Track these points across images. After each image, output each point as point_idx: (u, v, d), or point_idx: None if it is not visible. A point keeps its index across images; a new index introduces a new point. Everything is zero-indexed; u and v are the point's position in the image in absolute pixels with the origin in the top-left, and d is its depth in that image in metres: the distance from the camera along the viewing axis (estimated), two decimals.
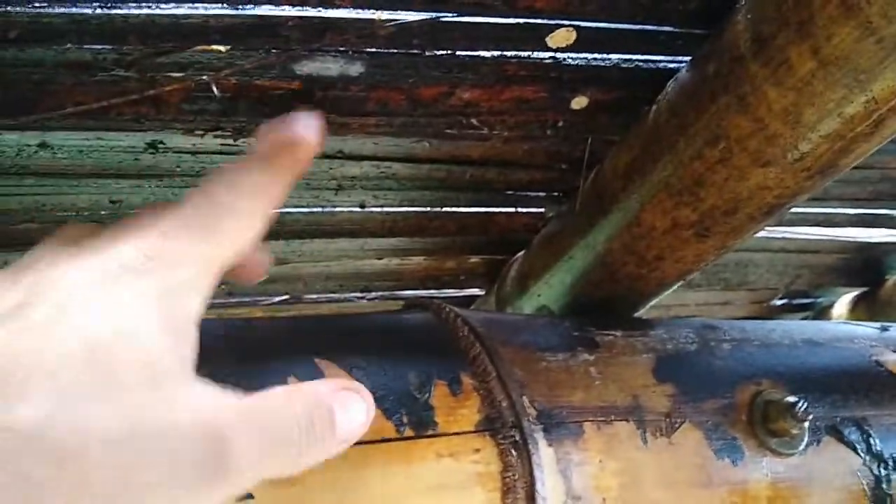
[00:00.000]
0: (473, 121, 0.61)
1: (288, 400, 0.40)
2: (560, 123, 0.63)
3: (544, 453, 0.55)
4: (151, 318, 0.36)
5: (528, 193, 0.77)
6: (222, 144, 0.63)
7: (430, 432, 0.53)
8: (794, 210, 0.94)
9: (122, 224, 0.41)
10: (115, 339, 0.34)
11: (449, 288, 0.95)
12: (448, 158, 0.68)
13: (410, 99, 0.57)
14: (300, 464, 0.41)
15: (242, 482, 0.38)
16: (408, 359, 0.56)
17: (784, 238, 0.98)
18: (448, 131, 0.62)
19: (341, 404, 0.41)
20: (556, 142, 0.67)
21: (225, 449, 0.36)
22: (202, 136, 0.59)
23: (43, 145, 0.59)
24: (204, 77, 0.50)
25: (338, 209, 0.75)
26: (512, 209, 0.81)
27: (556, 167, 0.72)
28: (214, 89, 0.50)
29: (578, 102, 0.61)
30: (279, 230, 0.75)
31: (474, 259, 0.91)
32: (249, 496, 0.47)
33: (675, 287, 0.67)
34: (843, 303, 1.19)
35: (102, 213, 0.69)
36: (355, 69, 0.54)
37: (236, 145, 0.62)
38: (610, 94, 0.61)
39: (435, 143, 0.65)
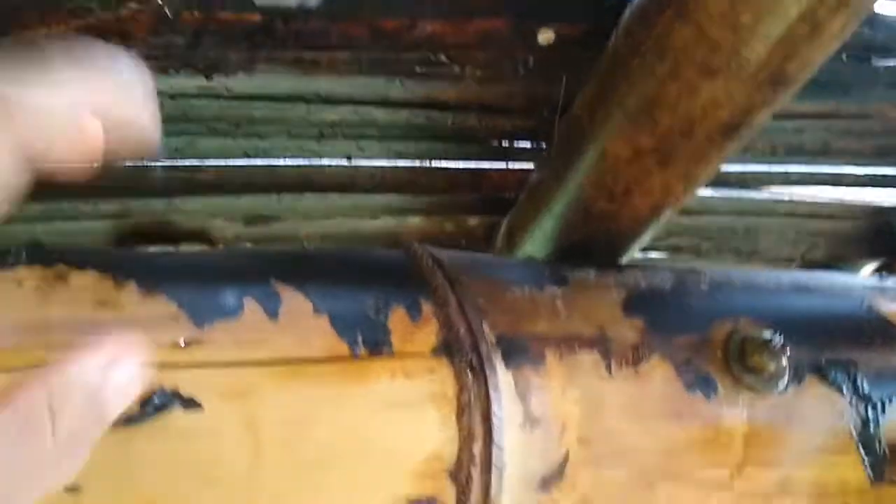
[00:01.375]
0: (441, 57, 0.61)
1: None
2: (531, 61, 0.64)
3: (502, 377, 0.55)
4: None
5: (515, 145, 0.77)
6: (199, 87, 0.64)
7: (384, 353, 0.53)
8: (798, 169, 0.93)
9: None
10: None
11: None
12: (424, 102, 0.69)
13: (373, 31, 0.58)
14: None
15: None
16: (368, 285, 0.57)
17: (791, 201, 0.96)
18: (418, 70, 0.63)
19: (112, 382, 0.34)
20: (532, 83, 0.68)
21: None
22: (176, 73, 0.61)
23: None
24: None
25: (325, 162, 0.76)
26: (502, 164, 0.81)
27: (536, 113, 0.72)
28: (167, 11, 0.52)
29: (546, 38, 0.62)
30: (268, 183, 0.77)
31: (473, 221, 0.91)
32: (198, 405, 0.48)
33: (652, 226, 0.66)
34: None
35: None
36: (313, 0, 0.55)
37: (212, 87, 0.64)
38: (576, 27, 0.61)
39: (408, 83, 0.66)
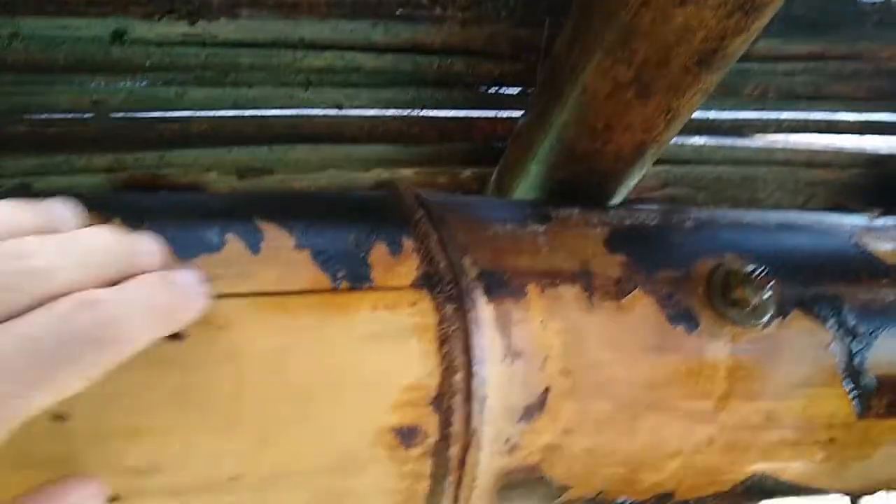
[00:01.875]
0: None
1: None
2: (512, 2, 0.64)
3: (482, 309, 0.55)
4: None
5: (503, 91, 0.78)
6: (184, 34, 0.65)
7: (365, 286, 0.54)
8: (791, 116, 0.92)
9: None
10: None
11: None
12: (409, 46, 0.69)
13: None
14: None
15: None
16: (350, 222, 0.57)
17: (787, 149, 0.96)
18: (400, 12, 0.63)
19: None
20: (515, 25, 0.68)
21: None
22: (160, 19, 0.61)
23: (15, 35, 0.63)
24: None
25: (314, 111, 0.77)
26: (492, 113, 0.81)
27: (522, 57, 0.72)
28: None
29: None
30: (259, 134, 0.78)
31: (466, 173, 0.91)
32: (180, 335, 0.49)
33: (637, 166, 0.67)
34: None
35: (85, 115, 0.72)
36: None
37: (197, 33, 0.65)
38: None
39: (392, 26, 0.67)
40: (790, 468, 0.67)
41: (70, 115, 0.72)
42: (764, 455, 0.65)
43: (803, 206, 1.08)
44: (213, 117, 0.75)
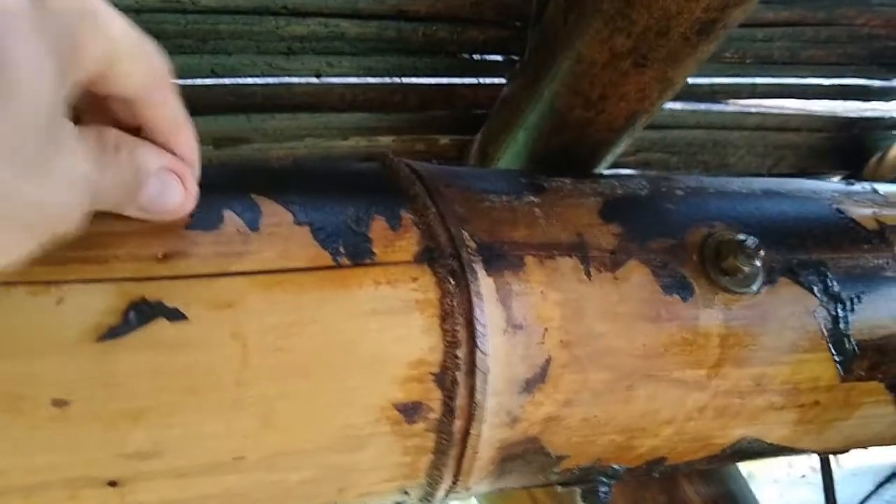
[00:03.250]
0: None
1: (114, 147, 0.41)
2: None
3: (483, 282, 0.55)
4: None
5: (486, 58, 0.77)
6: (163, 1, 0.63)
7: (367, 262, 0.53)
8: (765, 81, 0.93)
9: None
10: None
11: None
12: (395, 13, 0.68)
13: None
14: (107, 203, 0.42)
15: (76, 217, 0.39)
16: (347, 196, 0.56)
17: (760, 113, 0.97)
18: None
19: (160, 178, 0.44)
20: None
21: None
22: None
23: None
24: None
25: (294, 80, 0.75)
26: (474, 80, 0.80)
27: (508, 23, 0.71)
28: None
29: None
30: (238, 103, 0.76)
31: (444, 140, 0.90)
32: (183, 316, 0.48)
33: (627, 134, 0.66)
34: None
35: None
36: None
37: (178, 1, 0.62)
38: None
39: None
40: (776, 431, 0.68)
41: None
42: (752, 419, 0.66)
43: (771, 170, 1.10)
44: (190, 86, 0.73)
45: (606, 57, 0.58)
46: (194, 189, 0.47)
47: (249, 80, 0.74)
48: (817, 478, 0.92)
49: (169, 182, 0.45)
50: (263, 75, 0.73)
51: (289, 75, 0.74)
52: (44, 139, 0.34)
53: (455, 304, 0.54)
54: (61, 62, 0.34)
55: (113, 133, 0.41)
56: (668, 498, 0.82)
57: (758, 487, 0.81)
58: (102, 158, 0.40)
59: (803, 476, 2.35)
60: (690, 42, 0.55)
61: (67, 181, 0.37)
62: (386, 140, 0.88)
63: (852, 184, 0.78)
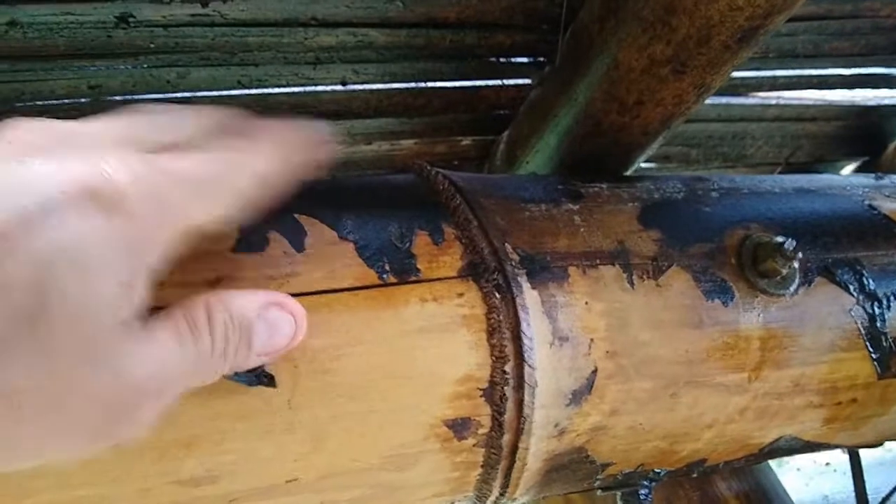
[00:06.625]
0: None
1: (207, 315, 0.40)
2: None
3: (528, 296, 0.55)
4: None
5: (512, 60, 0.76)
6: (192, 15, 0.62)
7: (412, 279, 0.53)
8: (787, 73, 0.93)
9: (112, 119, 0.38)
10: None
11: None
12: (425, 21, 0.67)
13: None
14: (216, 374, 0.41)
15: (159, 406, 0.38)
16: (388, 212, 0.56)
17: (779, 105, 0.96)
18: None
19: (264, 320, 0.42)
20: None
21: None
22: (170, 1, 0.58)
23: (12, 24, 0.59)
24: None
25: (319, 88, 0.74)
26: (498, 81, 0.80)
27: (536, 28, 0.70)
28: None
29: None
30: (262, 112, 0.75)
31: (466, 141, 0.90)
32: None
33: (660, 137, 0.66)
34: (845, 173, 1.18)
35: (82, 99, 0.69)
36: None
37: (207, 14, 0.62)
38: None
39: (409, 1, 0.64)
40: (813, 429, 0.68)
41: (67, 101, 0.68)
42: (790, 419, 0.66)
43: (788, 160, 1.10)
44: (216, 97, 0.72)
45: (645, 64, 0.57)
46: (299, 310, 0.45)
47: (275, 90, 0.73)
48: (842, 466, 0.92)
49: (274, 317, 0.43)
50: (289, 85, 0.73)
51: (314, 84, 0.73)
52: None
53: (501, 318, 0.53)
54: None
55: (200, 306, 0.39)
56: (700, 494, 0.82)
57: (782, 476, 0.82)
58: (193, 336, 0.39)
59: (827, 464, 2.36)
60: (731, 49, 0.54)
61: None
62: (408, 143, 0.87)
63: (881, 178, 0.78)
